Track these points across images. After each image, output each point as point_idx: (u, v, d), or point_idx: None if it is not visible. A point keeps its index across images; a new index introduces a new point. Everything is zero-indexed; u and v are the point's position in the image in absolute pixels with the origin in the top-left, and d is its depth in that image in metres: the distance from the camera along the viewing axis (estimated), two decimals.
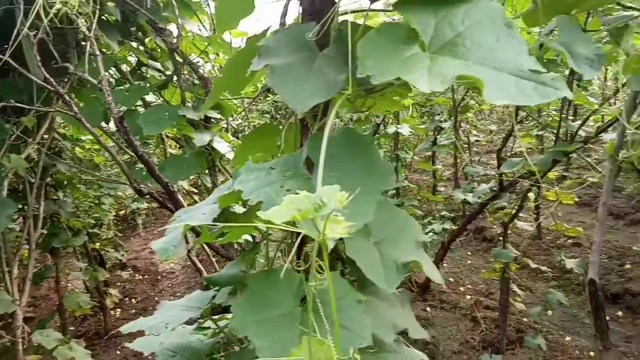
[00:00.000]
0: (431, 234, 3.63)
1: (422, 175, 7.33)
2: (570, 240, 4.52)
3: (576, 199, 5.79)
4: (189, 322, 1.12)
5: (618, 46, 1.25)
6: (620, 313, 3.42)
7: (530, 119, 3.99)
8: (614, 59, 1.28)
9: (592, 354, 2.98)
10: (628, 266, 3.84)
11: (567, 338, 3.18)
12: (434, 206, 5.04)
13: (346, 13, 0.94)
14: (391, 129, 3.80)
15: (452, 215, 4.30)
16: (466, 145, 5.52)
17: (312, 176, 0.75)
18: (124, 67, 2.57)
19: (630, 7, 1.07)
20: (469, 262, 4.66)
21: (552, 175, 2.88)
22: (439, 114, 4.19)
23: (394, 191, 4.46)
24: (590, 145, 3.64)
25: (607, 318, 3.42)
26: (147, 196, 1.70)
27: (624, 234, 4.58)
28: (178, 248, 0.92)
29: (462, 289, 4.02)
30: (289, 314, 0.76)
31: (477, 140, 7.73)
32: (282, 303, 0.77)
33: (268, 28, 0.92)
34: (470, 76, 0.64)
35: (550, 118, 3.12)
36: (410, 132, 3.89)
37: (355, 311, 0.75)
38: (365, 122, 3.97)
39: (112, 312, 4.00)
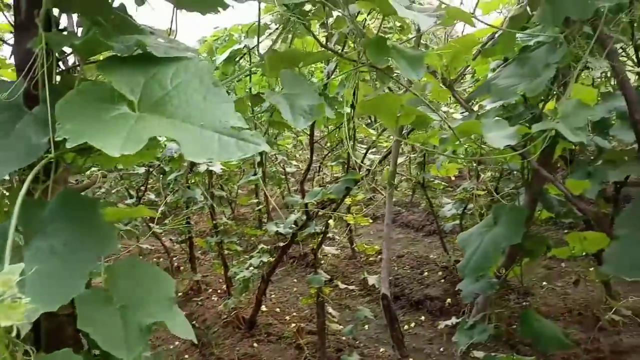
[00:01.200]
0: (252, 268, 3.64)
1: (248, 209, 7.38)
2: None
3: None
4: None
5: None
6: (423, 317, 3.83)
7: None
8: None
9: None
10: (426, 274, 4.34)
11: (381, 349, 3.44)
12: (257, 240, 5.09)
13: (75, 67, 0.89)
14: (202, 167, 3.76)
15: (274, 246, 4.39)
16: (283, 177, 5.72)
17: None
18: None
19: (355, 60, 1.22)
20: (294, 289, 4.79)
21: (348, 201, 3.14)
22: None
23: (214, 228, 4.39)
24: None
25: (413, 324, 3.82)
26: None
27: (422, 244, 5.18)
28: None
29: (287, 317, 4.10)
30: None
31: (297, 170, 8.09)
32: None
33: None
34: (170, 136, 0.64)
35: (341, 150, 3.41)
36: (222, 169, 3.89)
37: None
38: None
39: None
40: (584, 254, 2.06)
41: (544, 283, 3.72)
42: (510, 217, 1.67)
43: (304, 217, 3.08)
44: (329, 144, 4.94)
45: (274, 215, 6.74)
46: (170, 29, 1.33)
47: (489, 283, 1.81)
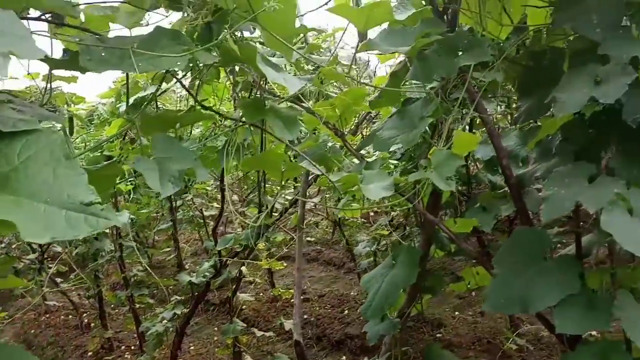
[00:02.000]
0: (165, 321, 3.48)
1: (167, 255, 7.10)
2: (304, 297, 4.93)
3: (306, 257, 6.36)
4: None
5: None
6: (344, 357, 3.83)
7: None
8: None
9: None
10: (347, 312, 4.37)
11: None
12: (175, 289, 4.89)
13: None
14: None
15: (190, 295, 4.23)
16: (201, 220, 5.59)
17: None
18: None
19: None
20: (215, 338, 4.62)
21: (261, 246, 3.12)
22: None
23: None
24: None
25: None
26: None
27: (343, 281, 5.23)
28: None
29: None
30: None
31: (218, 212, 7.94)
32: None
33: None
34: (7, 217, 0.61)
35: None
36: (133, 217, 3.74)
37: None
38: None
39: None
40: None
41: (456, 313, 3.87)
42: (406, 257, 1.73)
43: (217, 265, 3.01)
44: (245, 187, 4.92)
45: (193, 260, 6.54)
46: (46, 88, 1.29)
47: (391, 323, 1.86)
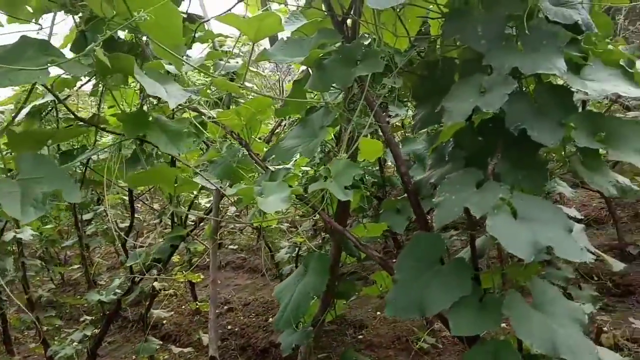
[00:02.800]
0: (74, 344, 3.25)
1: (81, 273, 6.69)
2: (227, 306, 4.83)
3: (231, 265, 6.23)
4: None
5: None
6: None
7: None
8: None
9: None
10: (271, 319, 4.32)
11: None
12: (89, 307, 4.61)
13: None
14: (9, 236, 3.31)
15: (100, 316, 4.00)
16: (116, 232, 5.31)
17: None
18: None
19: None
20: (133, 357, 4.40)
21: (175, 259, 3.01)
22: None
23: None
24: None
25: None
26: None
27: (269, 288, 5.17)
28: None
29: None
30: None
31: (137, 222, 7.60)
32: None
33: None
34: None
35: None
36: (33, 234, 3.47)
37: None
38: None
39: None
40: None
41: (378, 313, 3.95)
42: (317, 265, 1.73)
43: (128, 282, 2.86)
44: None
45: (109, 275, 6.19)
46: None
47: (304, 333, 1.85)
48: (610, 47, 1.33)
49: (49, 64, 0.79)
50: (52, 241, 5.16)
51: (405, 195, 2.01)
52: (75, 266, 4.99)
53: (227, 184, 1.51)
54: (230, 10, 1.92)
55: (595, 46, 1.28)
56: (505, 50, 1.24)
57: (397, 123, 3.40)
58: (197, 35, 2.00)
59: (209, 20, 2.05)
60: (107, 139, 3.17)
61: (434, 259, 1.26)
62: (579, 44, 1.25)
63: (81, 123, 1.16)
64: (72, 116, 1.24)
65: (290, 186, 1.30)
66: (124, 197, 5.67)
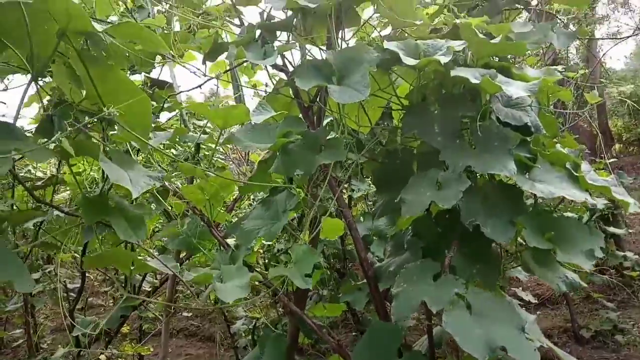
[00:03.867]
0: None
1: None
2: None
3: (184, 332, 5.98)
4: None
5: None
6: None
7: None
8: None
9: None
10: None
11: None
12: None
13: None
14: None
15: None
16: (65, 294, 5.04)
17: None
18: None
19: None
20: None
21: (125, 329, 2.87)
22: None
23: None
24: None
25: None
26: None
27: None
28: None
29: None
30: None
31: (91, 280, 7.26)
32: None
33: None
34: None
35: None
36: None
37: None
38: None
39: None
40: None
41: None
42: (272, 347, 1.69)
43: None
44: None
45: (53, 337, 5.80)
46: None
47: None
48: (558, 146, 1.43)
49: (13, 152, 0.79)
50: None
51: (349, 285, 2.03)
52: (18, 331, 4.65)
53: (186, 270, 1.48)
54: (200, 86, 1.97)
55: (544, 148, 1.37)
56: (459, 148, 1.30)
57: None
58: (165, 105, 2.04)
59: (179, 93, 2.09)
60: (65, 194, 3.08)
61: (391, 351, 1.25)
62: (529, 145, 1.34)
63: (39, 204, 1.13)
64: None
65: (251, 269, 1.30)
66: (77, 255, 5.45)
